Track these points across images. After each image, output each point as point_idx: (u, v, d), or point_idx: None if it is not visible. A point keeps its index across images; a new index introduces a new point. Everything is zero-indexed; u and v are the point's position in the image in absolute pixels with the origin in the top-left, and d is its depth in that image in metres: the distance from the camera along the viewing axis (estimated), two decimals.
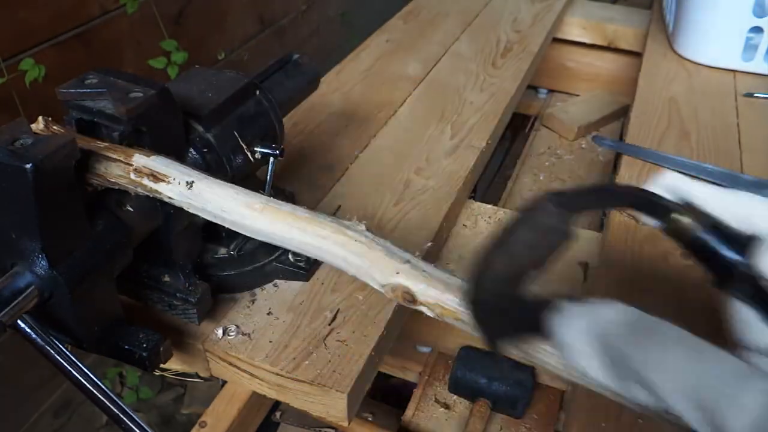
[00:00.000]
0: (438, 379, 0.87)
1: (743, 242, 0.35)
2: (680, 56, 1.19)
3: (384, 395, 1.05)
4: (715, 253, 0.36)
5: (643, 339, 0.28)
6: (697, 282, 0.70)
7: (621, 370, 0.29)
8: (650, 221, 0.39)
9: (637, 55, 1.32)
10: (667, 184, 0.37)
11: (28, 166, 0.43)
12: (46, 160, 0.44)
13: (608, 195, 0.41)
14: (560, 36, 1.42)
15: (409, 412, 0.83)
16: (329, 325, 0.62)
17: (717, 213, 0.36)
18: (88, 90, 0.52)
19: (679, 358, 0.27)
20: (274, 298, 0.65)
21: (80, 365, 0.48)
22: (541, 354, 0.39)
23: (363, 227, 0.48)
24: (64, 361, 0.47)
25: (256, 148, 0.63)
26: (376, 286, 0.46)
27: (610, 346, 0.29)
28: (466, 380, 0.81)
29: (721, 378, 0.26)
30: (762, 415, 0.25)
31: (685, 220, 0.37)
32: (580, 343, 0.30)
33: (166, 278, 0.59)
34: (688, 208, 0.37)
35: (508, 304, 0.36)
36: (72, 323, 0.50)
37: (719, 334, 0.64)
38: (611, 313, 0.30)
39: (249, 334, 0.61)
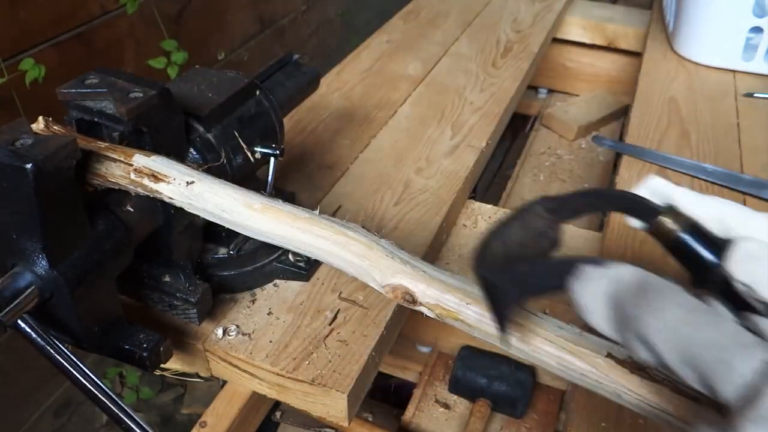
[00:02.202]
0: (438, 379, 0.87)
1: (719, 245, 0.38)
2: (680, 56, 1.19)
3: (384, 395, 1.06)
4: (694, 254, 0.39)
5: (645, 300, 0.31)
6: None
7: (625, 329, 0.32)
8: (637, 223, 0.41)
9: (637, 55, 1.32)
10: (654, 188, 0.40)
11: (29, 166, 0.43)
12: (46, 160, 0.44)
13: (599, 199, 0.44)
14: (560, 36, 1.42)
15: (409, 412, 0.83)
16: (329, 325, 0.62)
17: (697, 216, 0.39)
18: (89, 90, 0.52)
19: (677, 319, 0.29)
20: (274, 298, 0.65)
21: (80, 365, 0.48)
22: (539, 354, 0.39)
23: (360, 227, 0.48)
24: (64, 361, 0.47)
25: (256, 148, 0.63)
26: (376, 287, 0.46)
27: (618, 306, 0.32)
28: (466, 380, 0.81)
29: (717, 341, 0.28)
30: (755, 381, 0.26)
31: (669, 222, 0.39)
32: (594, 304, 0.33)
33: (167, 278, 0.59)
34: (672, 211, 0.40)
35: (526, 265, 0.37)
36: (72, 323, 0.50)
37: None
38: (622, 275, 0.32)
39: (249, 334, 0.61)
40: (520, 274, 0.37)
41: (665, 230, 0.39)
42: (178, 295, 0.59)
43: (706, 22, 1.14)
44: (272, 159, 0.63)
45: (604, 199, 0.44)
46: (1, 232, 0.47)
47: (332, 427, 0.86)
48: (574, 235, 0.81)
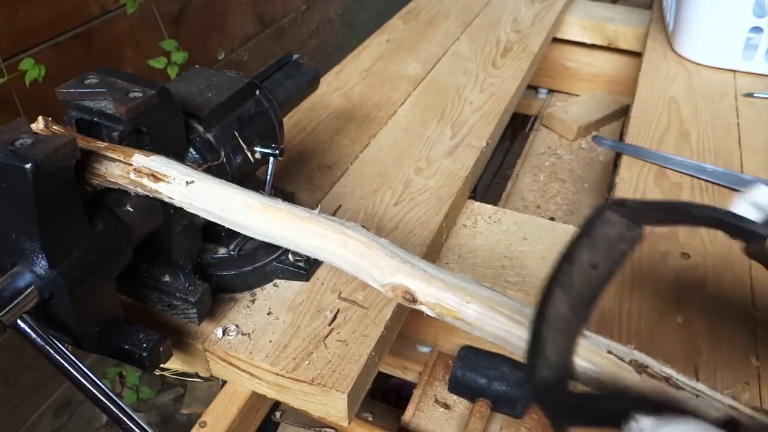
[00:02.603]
0: (438, 379, 0.87)
1: None
2: (680, 56, 1.19)
3: (384, 395, 1.06)
4: None
5: None
6: (697, 282, 0.70)
7: None
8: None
9: (637, 55, 1.32)
10: (756, 201, 0.37)
11: (28, 166, 0.43)
12: (46, 160, 0.44)
13: (682, 214, 0.41)
14: (560, 36, 1.42)
15: (409, 412, 0.83)
16: (329, 325, 0.62)
17: None
18: (88, 90, 0.52)
19: None
20: (274, 298, 0.65)
21: (80, 365, 0.48)
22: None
23: (359, 226, 0.48)
24: (64, 361, 0.47)
25: (256, 148, 0.63)
26: (375, 286, 0.46)
27: None
28: (466, 380, 0.81)
29: None
30: None
31: None
32: None
33: (166, 278, 0.59)
34: None
35: (579, 400, 0.35)
36: (72, 323, 0.50)
37: (718, 333, 0.64)
38: None
39: (249, 334, 0.61)
40: (576, 402, 0.35)
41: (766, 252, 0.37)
42: (177, 294, 0.59)
43: (706, 22, 1.14)
44: (272, 159, 0.63)
45: (689, 215, 0.41)
46: (1, 232, 0.47)
47: (332, 427, 0.86)
48: None
